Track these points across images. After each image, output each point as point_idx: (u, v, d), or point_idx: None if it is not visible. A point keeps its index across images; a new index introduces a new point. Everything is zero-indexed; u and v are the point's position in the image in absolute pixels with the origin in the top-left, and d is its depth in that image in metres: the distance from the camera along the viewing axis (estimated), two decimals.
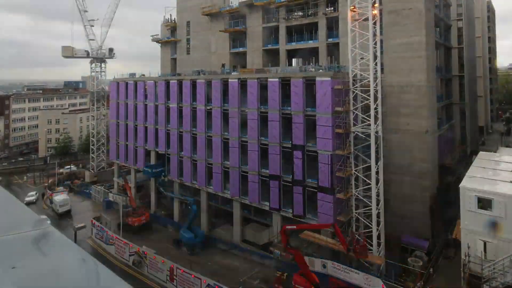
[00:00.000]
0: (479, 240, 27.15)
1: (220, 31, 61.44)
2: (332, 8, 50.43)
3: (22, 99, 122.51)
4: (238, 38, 62.58)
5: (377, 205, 35.57)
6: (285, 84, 41.58)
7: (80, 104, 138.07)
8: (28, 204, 63.09)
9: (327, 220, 37.64)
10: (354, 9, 37.37)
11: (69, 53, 77.33)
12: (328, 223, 34.71)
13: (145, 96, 60.14)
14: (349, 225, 37.34)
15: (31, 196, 68.37)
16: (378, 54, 36.90)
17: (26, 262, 2.72)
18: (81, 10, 75.58)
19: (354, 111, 37.26)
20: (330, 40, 50.13)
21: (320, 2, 50.82)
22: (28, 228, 3.30)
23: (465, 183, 29.01)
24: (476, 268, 26.43)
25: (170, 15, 75.28)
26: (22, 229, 3.27)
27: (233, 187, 46.70)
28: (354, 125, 37.23)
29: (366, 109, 37.05)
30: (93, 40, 77.81)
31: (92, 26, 77.26)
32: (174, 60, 76.21)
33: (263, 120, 43.36)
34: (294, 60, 51.67)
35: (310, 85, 39.29)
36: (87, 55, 78.78)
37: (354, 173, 37.31)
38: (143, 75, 66.94)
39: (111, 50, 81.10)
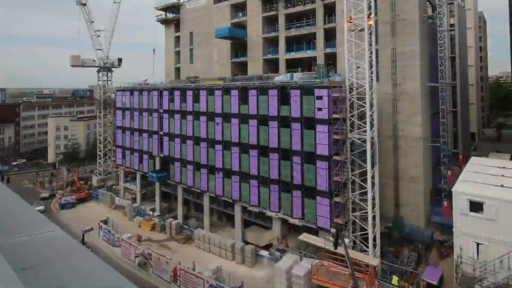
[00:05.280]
0: (471, 242, 27.12)
1: (221, 37, 61.64)
2: (330, 19, 50.60)
3: (32, 107, 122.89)
4: (239, 48, 62.86)
5: (373, 208, 35.54)
6: (284, 92, 41.60)
7: (88, 111, 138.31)
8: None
9: (325, 223, 37.66)
10: (351, 20, 37.52)
11: (77, 62, 77.54)
12: None
13: (149, 104, 60.30)
14: (346, 227, 37.32)
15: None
16: (374, 63, 37.00)
17: (35, 264, 2.76)
18: (87, 20, 76.02)
19: (350, 118, 37.34)
20: (327, 49, 50.36)
21: (318, 13, 51.07)
22: (38, 230, 3.34)
23: (457, 187, 29.03)
24: (468, 268, 26.39)
25: None
26: (31, 232, 3.31)
27: (234, 190, 46.74)
28: (351, 131, 37.29)
29: (362, 116, 37.16)
30: (100, 50, 78.09)
31: (99, 36, 77.64)
32: (177, 68, 76.49)
33: (263, 126, 43.41)
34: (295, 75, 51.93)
35: (309, 93, 39.33)
36: (94, 64, 79.01)
37: (351, 177, 37.32)
38: (146, 80, 67.57)
39: (120, 60, 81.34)
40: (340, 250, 27.23)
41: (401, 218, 41.77)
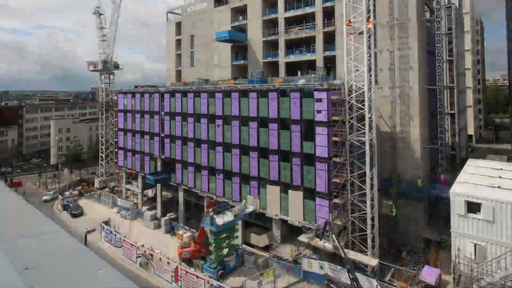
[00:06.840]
0: (469, 243, 27.09)
1: (221, 40, 61.76)
2: (329, 22, 50.66)
3: (34, 109, 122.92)
4: (239, 51, 62.92)
5: (372, 209, 35.52)
6: (284, 94, 41.60)
7: (90, 113, 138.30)
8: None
9: None
10: (350, 23, 37.53)
11: (92, 67, 79.55)
12: None
13: (151, 106, 60.32)
14: (346, 228, 37.29)
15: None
16: (373, 66, 37.00)
17: (38, 263, 2.77)
18: (100, 27, 77.21)
19: (349, 120, 37.33)
20: (327, 53, 50.41)
21: (317, 17, 51.14)
22: (40, 231, 3.36)
23: (455, 188, 29.00)
24: (465, 269, 26.37)
25: None
26: (34, 232, 3.33)
27: (234, 192, 46.70)
28: (350, 133, 37.27)
29: (361, 118, 37.14)
30: (104, 53, 78.31)
31: (105, 41, 78.00)
32: (178, 71, 76.61)
33: (263, 128, 43.37)
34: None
35: (308, 95, 39.35)
36: (97, 67, 79.32)
37: (350, 179, 37.30)
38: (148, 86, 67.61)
39: (116, 65, 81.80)
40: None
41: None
